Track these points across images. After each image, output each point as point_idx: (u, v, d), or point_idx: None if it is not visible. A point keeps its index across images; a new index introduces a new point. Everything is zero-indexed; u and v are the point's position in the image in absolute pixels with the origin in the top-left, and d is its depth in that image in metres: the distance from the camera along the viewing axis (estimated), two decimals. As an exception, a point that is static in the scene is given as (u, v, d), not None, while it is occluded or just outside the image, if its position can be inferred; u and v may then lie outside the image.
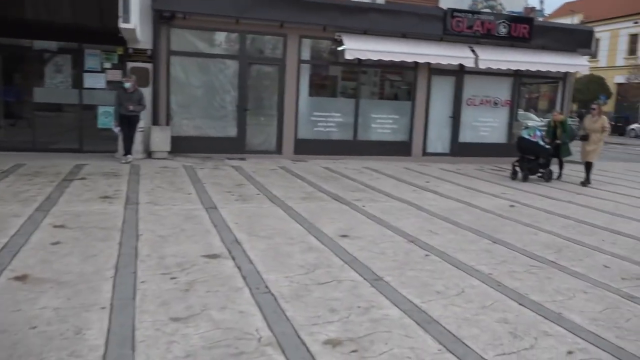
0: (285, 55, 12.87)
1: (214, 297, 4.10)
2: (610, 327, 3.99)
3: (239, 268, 4.82)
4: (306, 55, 13.26)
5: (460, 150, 14.53)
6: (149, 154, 11.79)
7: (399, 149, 14.06)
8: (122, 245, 5.27)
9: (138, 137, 11.51)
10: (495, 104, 14.84)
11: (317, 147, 13.34)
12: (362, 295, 4.33)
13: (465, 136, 14.67)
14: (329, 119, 13.49)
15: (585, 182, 11.44)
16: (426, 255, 5.56)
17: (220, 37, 12.61)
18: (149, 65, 11.88)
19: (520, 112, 15.87)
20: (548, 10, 61.43)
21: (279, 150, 13.16)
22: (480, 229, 6.86)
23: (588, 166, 11.54)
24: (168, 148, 11.86)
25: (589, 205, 9.03)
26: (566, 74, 15.28)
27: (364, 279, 4.71)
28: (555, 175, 11.91)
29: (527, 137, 11.37)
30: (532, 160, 11.48)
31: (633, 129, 34.62)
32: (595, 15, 43.88)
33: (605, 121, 11.40)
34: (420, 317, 3.94)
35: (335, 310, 3.99)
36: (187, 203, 7.46)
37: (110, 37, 11.11)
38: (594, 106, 11.71)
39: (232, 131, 12.85)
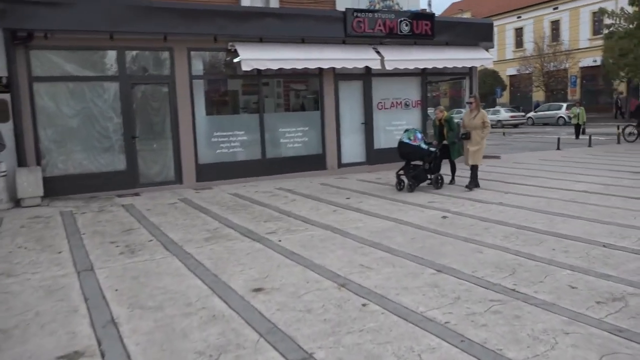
0: (173, 71, 11.36)
1: None
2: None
3: (109, 373, 3.36)
4: (199, 69, 11.83)
5: (377, 157, 13.70)
6: (16, 202, 9.78)
7: (313, 163, 12.96)
8: None
9: (0, 184, 9.50)
10: (407, 105, 14.20)
11: (223, 171, 11.92)
12: (288, 393, 3.04)
13: (381, 142, 13.87)
14: (233, 139, 12.12)
15: (471, 185, 9.92)
16: (363, 305, 4.38)
17: (94, 56, 10.85)
18: (6, 96, 9.89)
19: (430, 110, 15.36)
20: (437, 11, 63.91)
21: (178, 179, 11.59)
22: (419, 253, 5.83)
23: (473, 169, 9.99)
24: (41, 192, 9.92)
25: (522, 205, 8.37)
26: (471, 68, 15.00)
27: (288, 360, 3.44)
28: (448, 179, 10.69)
29: (407, 141, 9.84)
30: (417, 166, 10.14)
31: (530, 117, 36.16)
32: (482, 12, 45.88)
33: (485, 116, 9.91)
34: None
35: None
36: (53, 267, 5.80)
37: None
38: (470, 100, 10.20)
39: (120, 164, 11.11)
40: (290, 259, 5.81)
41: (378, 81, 13.69)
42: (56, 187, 10.46)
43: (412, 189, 9.94)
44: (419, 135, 9.99)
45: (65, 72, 10.56)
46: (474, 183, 10.00)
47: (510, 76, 45.83)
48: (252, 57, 11.46)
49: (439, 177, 10.20)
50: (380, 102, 13.82)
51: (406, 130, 10.15)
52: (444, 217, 7.75)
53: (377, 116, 13.77)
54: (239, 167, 12.07)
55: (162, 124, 11.49)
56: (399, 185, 10.17)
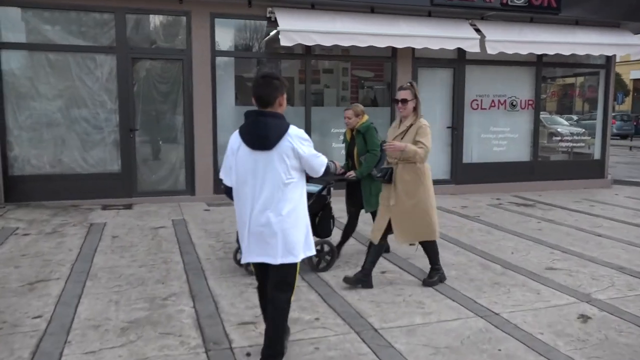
0: (190, 44, 8.41)
1: None
2: None
3: None
4: (225, 44, 8.81)
5: (466, 174, 10.00)
6: (-40, 209, 7.30)
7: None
8: None
9: (-63, 184, 7.05)
10: (513, 105, 10.32)
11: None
12: None
13: (472, 154, 10.15)
14: (266, 139, 8.97)
15: (432, 278, 4.74)
16: None
17: (85, 19, 8.14)
18: (-41, 67, 7.45)
19: (545, 115, 11.33)
20: None
21: (190, 189, 8.66)
22: None
23: (426, 248, 4.80)
24: (-5, 197, 7.40)
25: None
26: (609, 58, 10.80)
27: None
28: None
29: None
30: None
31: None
32: None
33: (424, 130, 4.49)
34: None
35: None
36: None
37: None
38: (400, 95, 4.54)
39: (112, 164, 8.37)
40: None
41: (474, 70, 9.96)
42: (26, 190, 7.91)
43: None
44: None
45: (46, 38, 7.95)
46: (436, 272, 4.80)
47: (635, 80, 39.21)
48: (296, 27, 8.24)
49: (330, 250, 5.09)
50: (476, 100, 10.08)
51: None
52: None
53: (470, 118, 10.06)
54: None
55: (172, 113, 8.61)
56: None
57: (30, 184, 7.96)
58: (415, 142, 4.42)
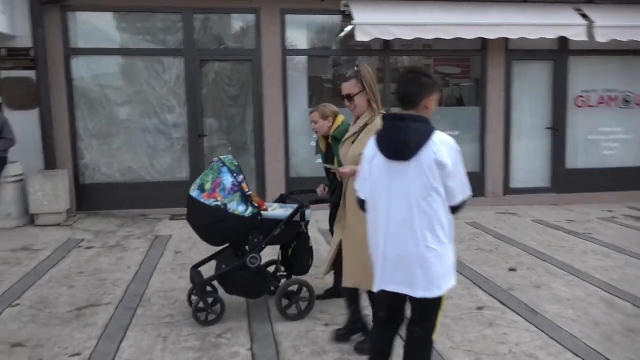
0: (259, 43, 7.87)
1: None
2: None
3: None
4: (297, 41, 8.20)
5: (569, 182, 8.71)
6: (32, 218, 7.17)
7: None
8: None
9: (10, 193, 6.96)
10: (626, 102, 8.90)
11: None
12: None
13: (577, 159, 8.82)
14: (341, 143, 8.26)
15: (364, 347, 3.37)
16: None
17: (151, 21, 7.82)
18: (31, 74, 7.34)
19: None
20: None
21: (261, 197, 8.05)
22: None
23: (371, 298, 3.36)
24: (66, 206, 7.22)
25: None
26: None
27: None
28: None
29: (195, 194, 3.82)
30: (230, 257, 4.00)
31: None
32: None
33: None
34: None
35: None
36: None
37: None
38: (346, 90, 3.32)
39: (181, 172, 8.01)
40: None
41: (580, 62, 8.67)
42: (96, 199, 7.73)
43: (206, 319, 3.87)
44: (229, 181, 3.78)
45: (114, 42, 7.73)
46: (363, 330, 3.57)
47: None
48: (373, 21, 7.46)
49: (308, 295, 3.99)
50: (582, 96, 8.78)
51: (212, 164, 3.97)
52: None
53: (575, 117, 8.76)
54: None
55: (241, 118, 8.11)
56: (198, 314, 3.90)
57: (100, 193, 7.77)
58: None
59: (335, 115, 4.11)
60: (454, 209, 2.47)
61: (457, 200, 2.44)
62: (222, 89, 8.01)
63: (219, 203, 3.71)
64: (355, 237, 3.17)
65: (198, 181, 3.89)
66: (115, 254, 5.81)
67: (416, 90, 2.47)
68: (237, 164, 3.91)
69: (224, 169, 3.81)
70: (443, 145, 2.37)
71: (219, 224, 3.74)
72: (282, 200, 4.38)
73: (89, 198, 7.73)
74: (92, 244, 6.23)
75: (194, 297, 4.06)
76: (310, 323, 3.89)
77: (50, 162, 7.42)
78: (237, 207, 3.73)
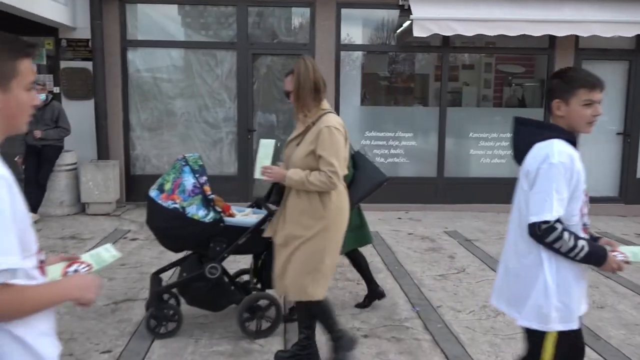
0: (313, 38, 7.69)
1: None
2: None
3: None
4: (352, 36, 7.95)
5: (638, 192, 8.06)
6: (83, 207, 7.31)
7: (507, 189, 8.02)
8: None
9: (63, 181, 7.11)
10: None
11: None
12: None
13: (649, 167, 8.17)
14: (393, 143, 7.97)
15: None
16: None
17: (206, 13, 7.79)
18: (89, 65, 7.47)
19: None
20: None
21: (307, 195, 7.95)
22: None
23: (301, 312, 3.28)
24: (115, 196, 7.32)
25: None
26: None
27: None
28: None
29: (153, 194, 3.48)
30: (192, 264, 3.77)
31: None
32: None
33: (329, 134, 2.86)
34: None
35: None
36: None
37: (33, 24, 6.91)
38: (287, 89, 3.29)
39: (230, 166, 7.97)
40: None
41: (658, 63, 7.99)
42: (144, 190, 7.61)
43: (156, 330, 3.55)
44: (190, 182, 3.38)
45: (168, 34, 7.74)
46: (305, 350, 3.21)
47: None
48: (432, 15, 7.11)
49: (275, 312, 3.61)
50: (658, 100, 8.08)
51: (175, 162, 3.60)
52: None
53: (649, 123, 8.09)
54: (400, 188, 7.83)
55: (292, 114, 7.94)
56: (150, 323, 3.56)
57: (149, 184, 7.62)
58: (320, 157, 2.84)
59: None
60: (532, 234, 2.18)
61: (527, 220, 2.16)
62: (273, 84, 7.89)
63: (177, 206, 3.32)
64: (288, 245, 2.92)
65: (159, 180, 3.56)
66: (158, 247, 5.73)
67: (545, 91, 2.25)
68: (201, 163, 3.48)
69: (186, 169, 3.41)
70: (544, 151, 2.14)
71: (175, 229, 3.39)
72: (257, 205, 3.98)
73: (138, 189, 7.79)
74: (137, 235, 6.26)
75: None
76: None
77: (103, 152, 7.54)
78: (197, 212, 3.34)
